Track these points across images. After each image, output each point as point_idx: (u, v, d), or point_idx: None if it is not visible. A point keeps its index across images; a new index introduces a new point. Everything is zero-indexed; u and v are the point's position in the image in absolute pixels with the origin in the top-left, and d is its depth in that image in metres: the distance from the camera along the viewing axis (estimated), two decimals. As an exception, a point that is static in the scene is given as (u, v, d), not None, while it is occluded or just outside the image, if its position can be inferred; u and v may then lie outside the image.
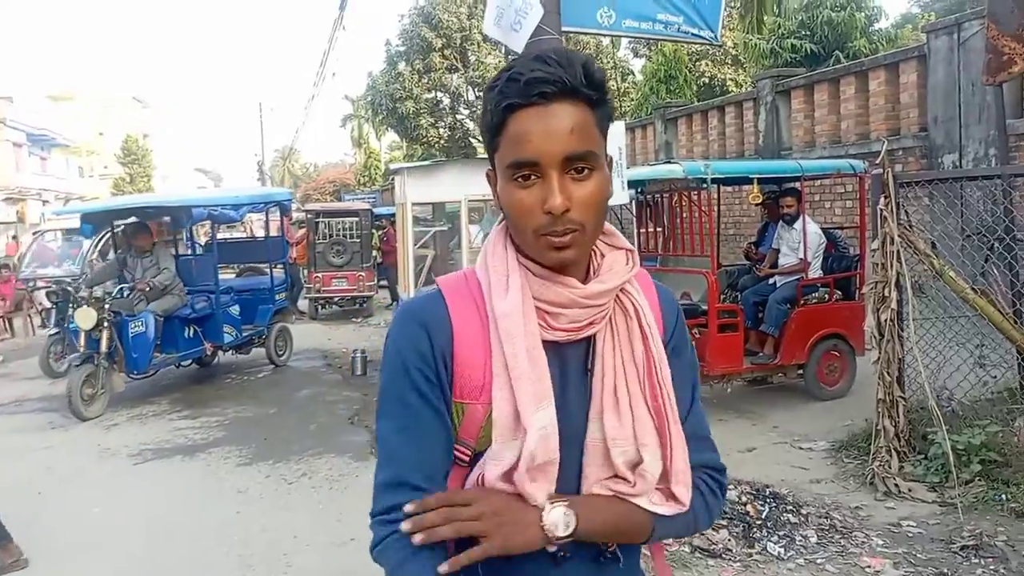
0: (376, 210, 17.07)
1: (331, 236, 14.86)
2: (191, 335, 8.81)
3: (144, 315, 8.01)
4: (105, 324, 7.54)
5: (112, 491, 5.47)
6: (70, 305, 8.01)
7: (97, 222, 9.22)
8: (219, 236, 10.82)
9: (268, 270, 10.78)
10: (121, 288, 8.19)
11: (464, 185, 7.67)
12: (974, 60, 8.43)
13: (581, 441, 1.17)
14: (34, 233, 13.65)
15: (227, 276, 11.51)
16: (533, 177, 1.09)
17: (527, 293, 1.14)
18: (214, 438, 6.71)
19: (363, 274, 14.43)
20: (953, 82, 9.19)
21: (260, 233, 16.52)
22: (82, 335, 7.50)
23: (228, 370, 9.73)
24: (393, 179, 10.42)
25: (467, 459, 1.16)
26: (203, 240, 12.34)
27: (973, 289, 4.98)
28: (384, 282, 15.62)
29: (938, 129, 9.45)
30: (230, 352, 9.64)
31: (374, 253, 15.90)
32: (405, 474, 1.13)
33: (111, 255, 10.78)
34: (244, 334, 9.46)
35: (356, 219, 15.02)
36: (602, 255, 1.20)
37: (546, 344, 1.14)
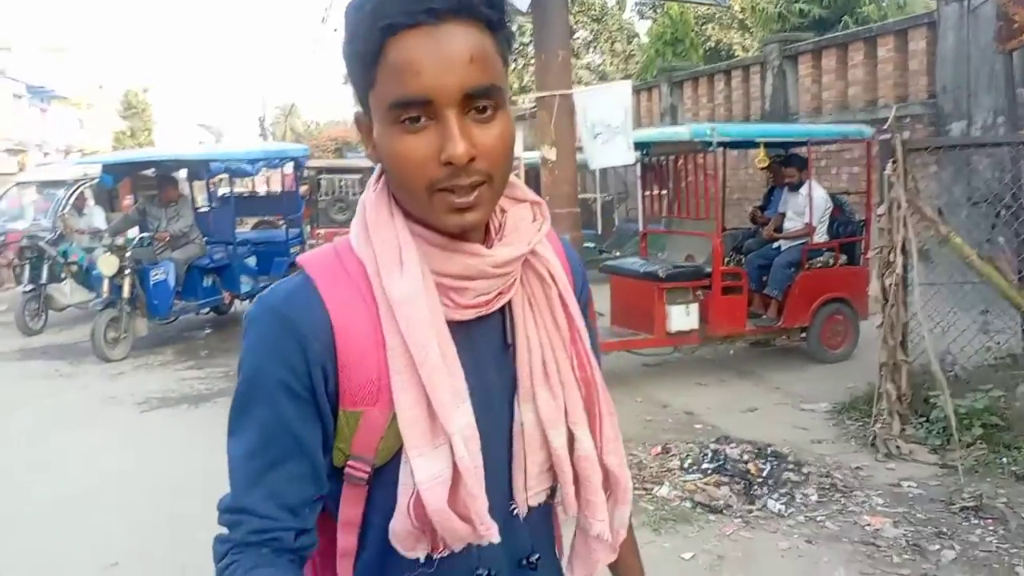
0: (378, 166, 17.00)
1: (333, 193, 14.87)
2: (210, 284, 9.18)
3: (165, 263, 8.35)
4: (127, 271, 7.88)
5: (118, 438, 5.52)
6: (44, 262, 8.23)
7: (118, 172, 9.72)
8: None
9: (282, 224, 10.93)
10: (142, 237, 8.58)
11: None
12: (984, 28, 8.34)
13: (506, 431, 1.01)
14: (18, 184, 13.37)
15: (242, 230, 11.61)
16: (424, 119, 0.86)
17: (425, 269, 0.93)
18: (219, 388, 6.76)
19: (363, 232, 14.40)
20: (963, 50, 9.10)
21: (262, 189, 16.47)
22: (105, 281, 7.90)
23: (234, 323, 9.76)
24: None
25: (365, 476, 0.95)
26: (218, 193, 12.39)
27: (979, 255, 4.99)
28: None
29: (947, 96, 9.38)
30: (246, 301, 9.86)
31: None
32: (250, 503, 0.91)
33: (91, 206, 11.20)
34: (260, 284, 9.72)
35: (359, 176, 14.98)
36: (503, 211, 1.00)
37: (452, 325, 0.94)
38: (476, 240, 0.95)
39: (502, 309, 0.99)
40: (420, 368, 0.90)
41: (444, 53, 0.84)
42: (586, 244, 9.46)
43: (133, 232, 8.93)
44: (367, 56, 0.87)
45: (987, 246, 5.45)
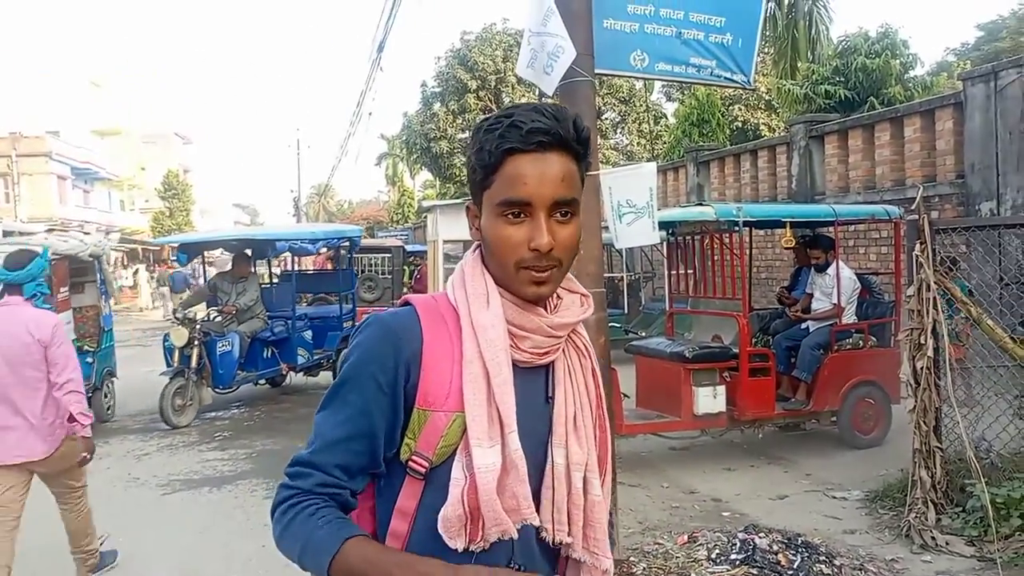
0: (408, 247, 17.24)
1: (363, 272, 15.01)
2: (269, 356, 9.62)
3: (231, 335, 8.84)
4: (196, 342, 8.39)
5: (139, 521, 5.49)
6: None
7: (191, 251, 10.44)
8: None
9: (337, 300, 11.36)
10: (210, 311, 9.23)
11: (496, 224, 7.71)
12: (1011, 108, 8.37)
13: (537, 470, 1.23)
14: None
15: (299, 306, 11.92)
16: (522, 216, 1.18)
17: (502, 314, 1.22)
18: (242, 470, 6.74)
19: (394, 310, 14.53)
20: (990, 129, 9.10)
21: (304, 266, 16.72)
22: (176, 352, 8.43)
23: (258, 402, 9.79)
24: (425, 217, 10.53)
25: (423, 471, 1.20)
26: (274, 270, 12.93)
27: (1012, 338, 4.88)
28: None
29: (975, 176, 9.34)
30: (300, 373, 10.26)
31: (405, 289, 16.03)
32: (323, 462, 1.20)
33: (200, 281, 11.96)
34: (315, 357, 10.23)
35: (388, 255, 15.18)
36: (559, 297, 1.29)
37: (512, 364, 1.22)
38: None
39: (547, 370, 1.27)
40: (493, 379, 1.17)
41: (545, 172, 1.17)
42: (612, 324, 9.41)
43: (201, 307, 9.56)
44: (490, 166, 1.19)
45: (1020, 328, 5.33)
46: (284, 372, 9.93)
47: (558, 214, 1.18)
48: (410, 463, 1.20)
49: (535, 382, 1.26)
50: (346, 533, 1.14)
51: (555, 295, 1.27)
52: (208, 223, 49.58)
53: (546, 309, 1.26)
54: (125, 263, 35.69)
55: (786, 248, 7.97)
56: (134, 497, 6.07)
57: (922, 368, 4.87)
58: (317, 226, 13.39)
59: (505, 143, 1.17)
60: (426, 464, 1.19)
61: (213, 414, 9.16)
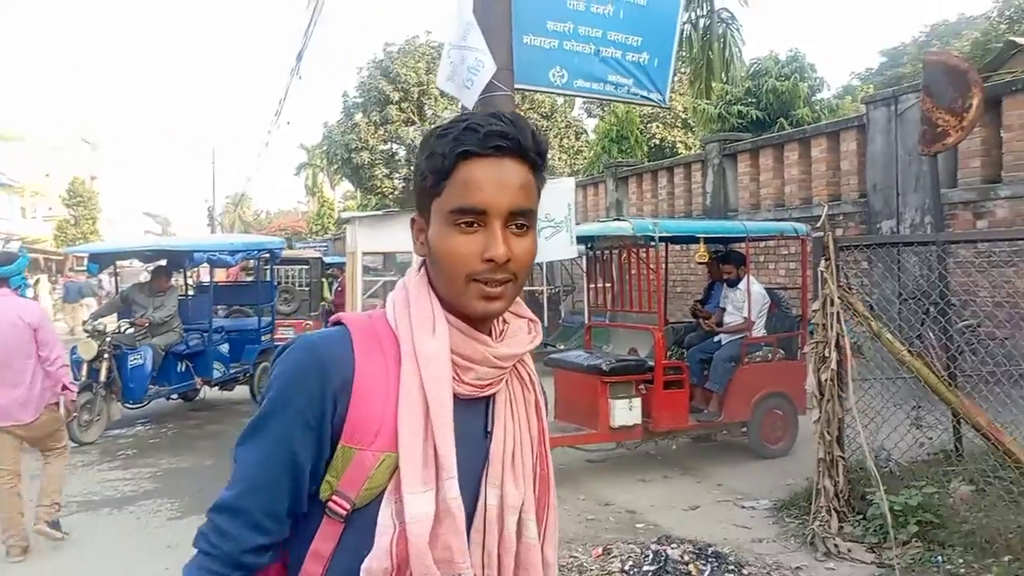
0: (327, 259, 16.96)
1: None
2: (183, 369, 9.29)
3: (144, 348, 8.50)
4: (105, 355, 8.07)
5: (35, 547, 5.19)
6: None
7: (103, 262, 10.15)
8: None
9: (255, 312, 11.13)
10: (121, 323, 8.82)
11: (415, 236, 7.66)
12: (911, 131, 8.81)
13: (471, 508, 1.15)
14: None
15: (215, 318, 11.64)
16: (476, 225, 1.10)
17: (448, 343, 1.13)
18: (144, 490, 6.46)
19: (310, 323, 14.24)
20: (891, 151, 9.57)
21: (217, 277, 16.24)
22: (84, 365, 8.04)
23: (165, 418, 9.43)
24: (345, 228, 10.40)
25: (343, 513, 1.10)
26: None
27: (910, 351, 5.10)
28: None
29: (877, 196, 9.79)
30: (216, 388, 9.89)
31: (323, 303, 15.75)
32: (249, 505, 1.11)
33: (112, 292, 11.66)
34: (231, 371, 9.92)
35: (306, 267, 14.90)
36: (505, 322, 1.22)
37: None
38: (486, 333, 1.17)
39: (487, 402, 1.18)
40: (434, 416, 1.08)
41: (502, 179, 1.11)
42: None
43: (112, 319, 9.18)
44: (442, 171, 1.12)
45: (917, 342, 5.59)
46: (198, 386, 9.63)
47: (515, 225, 1.12)
48: (330, 503, 1.10)
49: (474, 415, 1.17)
50: None
51: (501, 319, 1.20)
52: (116, 232, 47.70)
53: (491, 334, 1.18)
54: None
55: (700, 263, 8.17)
56: (28, 520, 5.74)
57: (826, 380, 5.04)
58: (237, 237, 13.13)
59: (460, 146, 1.10)
60: (347, 507, 1.09)
61: (117, 431, 8.74)
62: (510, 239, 1.11)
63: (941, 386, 5.01)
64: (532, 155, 1.14)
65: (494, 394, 1.19)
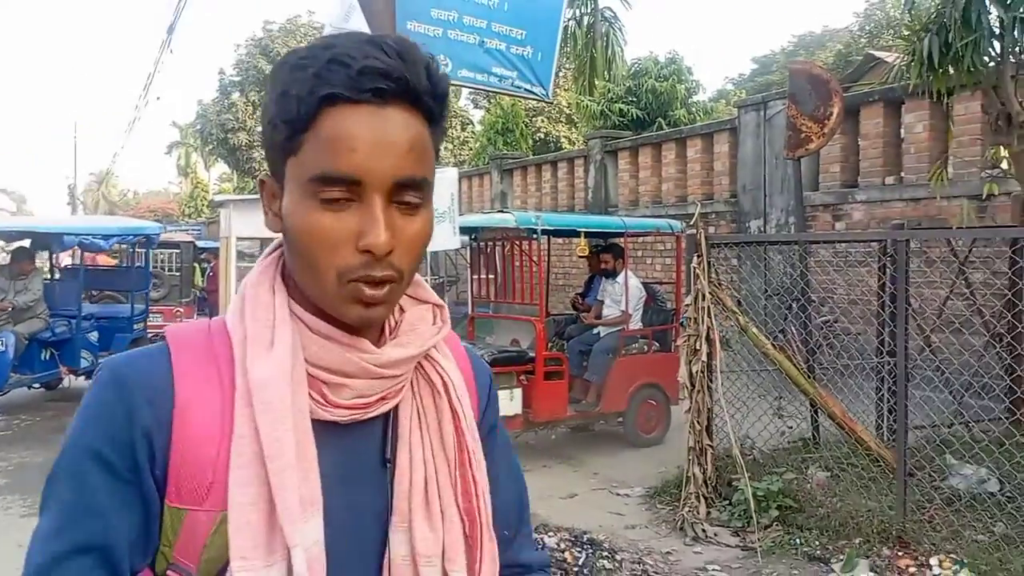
0: (200, 243, 16.26)
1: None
2: (47, 358, 8.81)
3: (5, 335, 8.06)
4: None
5: None
6: None
7: None
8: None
9: (127, 299, 10.51)
10: None
11: (294, 222, 7.43)
12: (777, 136, 9.28)
13: (374, 560, 0.87)
14: None
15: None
16: (343, 201, 0.79)
17: (298, 355, 0.84)
18: (-5, 487, 6.02)
19: (181, 310, 13.67)
20: (760, 154, 10.05)
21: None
22: None
23: (18, 410, 8.80)
24: (219, 212, 9.99)
25: None
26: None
27: (773, 345, 5.39)
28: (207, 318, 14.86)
29: (746, 196, 10.26)
30: (82, 377, 9.24)
31: (194, 288, 15.10)
32: None
33: None
34: (100, 360, 8.95)
35: (177, 251, 14.24)
36: (402, 310, 0.92)
37: (318, 425, 0.83)
38: (369, 336, 0.87)
39: (387, 418, 0.89)
40: (269, 463, 0.79)
41: (384, 136, 0.79)
42: (413, 327, 9.39)
43: None
44: (298, 121, 0.79)
45: (780, 336, 5.90)
46: (63, 376, 9.17)
47: (399, 202, 0.81)
48: None
49: (366, 441, 0.89)
50: None
51: (396, 308, 0.91)
52: (-36, 209, 44.04)
53: (380, 334, 0.90)
54: None
55: (581, 256, 8.33)
56: None
57: (697, 372, 5.25)
58: (109, 220, 12.39)
59: (323, 86, 0.78)
60: None
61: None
62: (395, 221, 0.80)
63: (801, 378, 5.33)
64: (427, 100, 0.82)
65: (394, 409, 0.90)
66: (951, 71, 5.67)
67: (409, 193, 0.81)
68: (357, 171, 0.78)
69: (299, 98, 0.79)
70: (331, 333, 0.85)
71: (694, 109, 16.94)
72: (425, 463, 0.89)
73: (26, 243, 9.24)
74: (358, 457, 0.88)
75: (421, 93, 0.81)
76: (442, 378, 0.93)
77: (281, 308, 0.85)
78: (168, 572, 0.83)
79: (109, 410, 0.82)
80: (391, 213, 0.80)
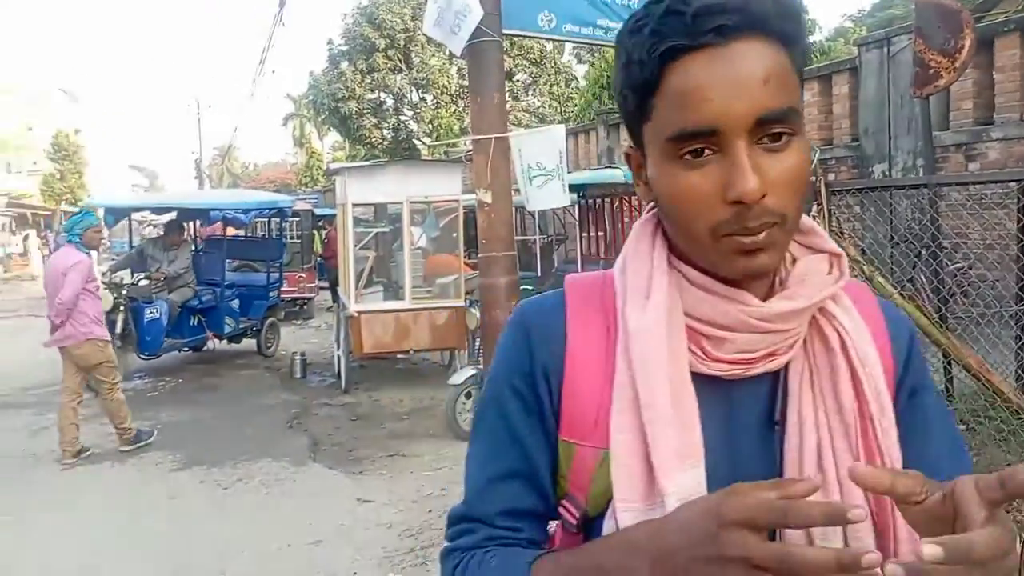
0: (317, 211, 16.87)
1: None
2: (195, 323, 9.62)
3: (160, 302, 8.77)
4: (121, 307, 8.27)
5: (38, 499, 5.26)
6: None
7: (118, 215, 10.07)
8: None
9: (264, 268, 11.27)
10: (136, 276, 9.15)
11: (406, 186, 7.61)
12: (903, 73, 8.74)
13: None
14: None
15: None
16: (707, 152, 0.75)
17: (677, 306, 0.83)
18: (146, 443, 6.52)
19: (303, 275, 14.30)
20: (883, 94, 9.50)
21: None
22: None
23: (163, 372, 9.47)
24: (334, 180, 10.31)
25: (574, 523, 0.88)
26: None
27: (901, 294, 5.14)
28: (326, 283, 15.47)
29: (869, 139, 9.75)
30: (224, 341, 10.18)
31: (314, 257, 15.72)
32: (482, 513, 0.89)
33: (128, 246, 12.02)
34: (240, 326, 10.23)
35: (296, 220, 14.82)
36: (793, 259, 0.86)
37: (700, 379, 0.81)
38: (757, 290, 0.82)
39: (776, 377, 0.84)
40: (644, 411, 0.79)
41: (735, 76, 0.73)
42: (525, 287, 9.48)
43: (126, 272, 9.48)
44: (644, 85, 0.78)
45: (908, 285, 5.63)
46: (208, 339, 9.97)
47: (766, 138, 0.75)
48: (560, 509, 0.89)
49: (751, 397, 0.85)
50: (526, 558, 0.83)
51: (788, 258, 0.86)
52: (103, 186, 47.28)
53: (771, 287, 0.84)
54: (14, 229, 33.77)
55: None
56: (32, 475, 5.80)
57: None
58: (248, 194, 13.11)
59: (662, 42, 0.74)
60: (577, 515, 0.87)
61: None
62: (762, 162, 0.75)
63: (932, 328, 5.07)
64: (777, 23, 0.75)
65: (784, 368, 0.84)
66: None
67: (775, 127, 0.75)
68: (712, 120, 0.74)
69: (641, 63, 0.77)
70: (710, 285, 0.82)
71: (811, 50, 16.16)
72: (818, 427, 0.83)
73: (174, 216, 10.01)
74: (743, 416, 0.85)
75: (768, 17, 0.75)
76: (838, 333, 0.84)
77: (660, 260, 0.85)
78: (562, 503, 0.89)
79: (516, 348, 0.90)
80: (757, 155, 0.75)
